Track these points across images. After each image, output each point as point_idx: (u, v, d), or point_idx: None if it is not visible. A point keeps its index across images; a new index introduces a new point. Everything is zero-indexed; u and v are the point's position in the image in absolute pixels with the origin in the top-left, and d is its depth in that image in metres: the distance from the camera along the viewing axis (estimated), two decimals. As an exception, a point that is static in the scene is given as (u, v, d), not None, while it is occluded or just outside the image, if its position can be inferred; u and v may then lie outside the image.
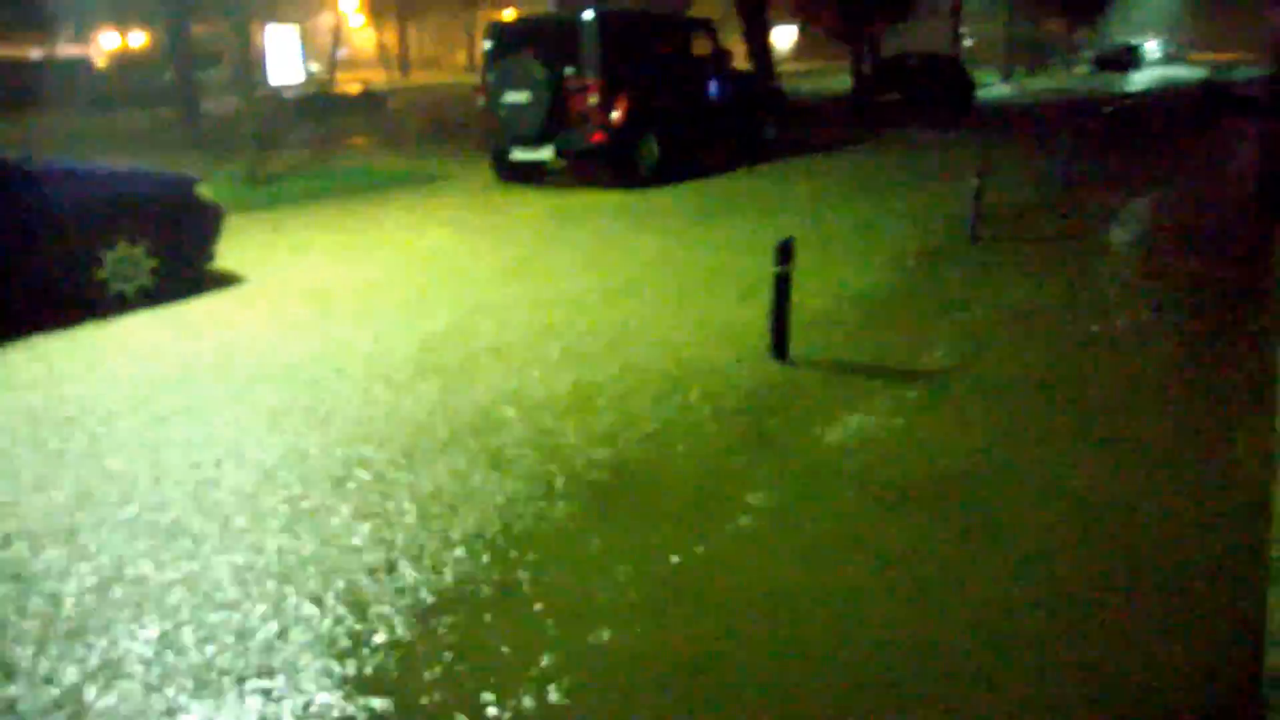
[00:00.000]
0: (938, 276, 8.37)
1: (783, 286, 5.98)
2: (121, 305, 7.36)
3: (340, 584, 3.56)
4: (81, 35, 50.44)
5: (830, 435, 4.91)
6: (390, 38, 62.25)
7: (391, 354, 6.29)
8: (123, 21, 49.37)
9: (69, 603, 3.45)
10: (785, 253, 5.97)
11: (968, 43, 45.92)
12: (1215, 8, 79.09)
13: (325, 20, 59.51)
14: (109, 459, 4.67)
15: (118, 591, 3.52)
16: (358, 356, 6.24)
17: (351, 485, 4.38)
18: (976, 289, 7.85)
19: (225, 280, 8.30)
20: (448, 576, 3.61)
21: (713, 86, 15.44)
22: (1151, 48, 65.85)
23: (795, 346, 6.09)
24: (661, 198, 12.67)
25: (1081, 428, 4.99)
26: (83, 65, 38.53)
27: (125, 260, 7.41)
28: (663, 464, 4.61)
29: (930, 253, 9.17)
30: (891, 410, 5.22)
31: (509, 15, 23.50)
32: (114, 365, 6.13)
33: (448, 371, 5.93)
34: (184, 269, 7.91)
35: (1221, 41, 78.14)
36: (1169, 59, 68.04)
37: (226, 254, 8.55)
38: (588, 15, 13.37)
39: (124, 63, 39.15)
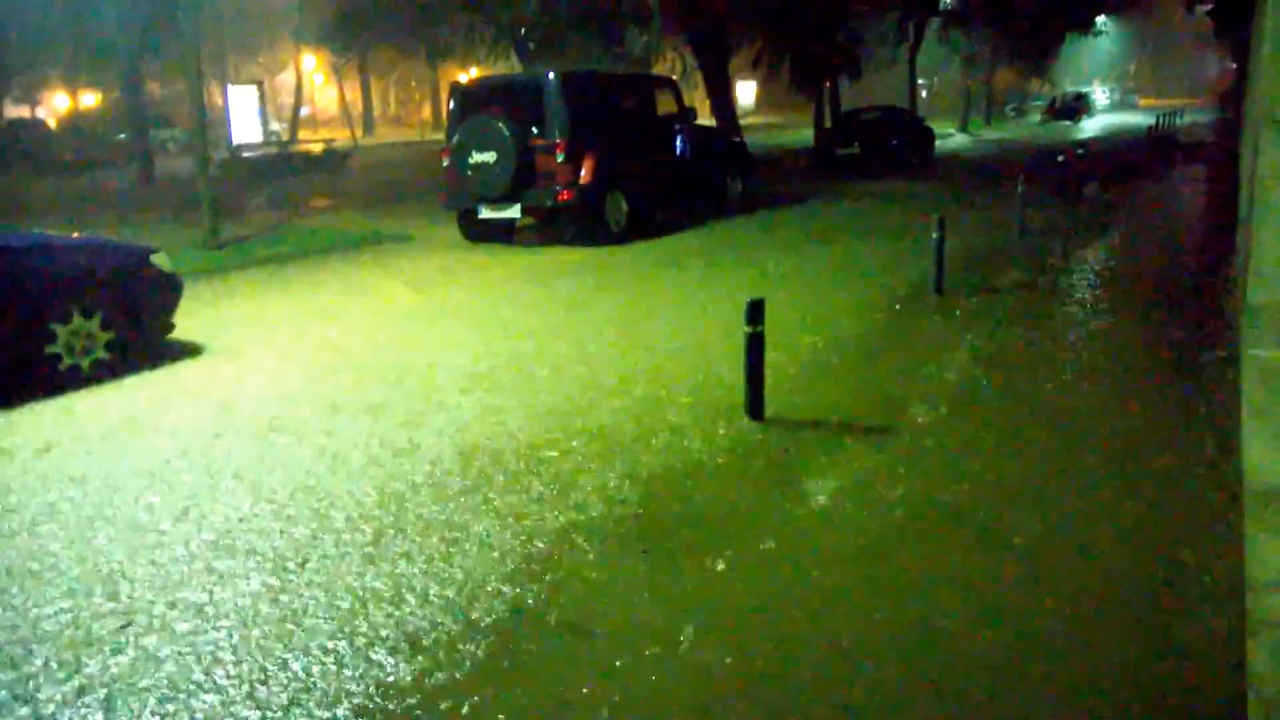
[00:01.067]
0: (907, 327, 8.41)
1: (755, 346, 5.92)
2: (77, 379, 7.15)
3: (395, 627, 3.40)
4: (28, 96, 50.16)
5: (814, 492, 4.84)
6: (353, 95, 62.42)
7: (365, 419, 6.16)
8: (73, 82, 49.12)
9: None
10: (756, 312, 5.92)
11: (923, 93, 46.73)
12: (1160, 54, 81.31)
13: (287, 79, 59.75)
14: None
15: None
16: (330, 425, 6.08)
17: (372, 549, 4.27)
18: (945, 339, 7.87)
19: (185, 351, 8.12)
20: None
21: (679, 143, 15.50)
22: (1100, 95, 67.43)
23: (770, 404, 6.02)
24: (631, 254, 12.64)
25: (1056, 471, 4.95)
26: (36, 126, 38.29)
27: (79, 333, 7.20)
28: (657, 517, 4.58)
29: (899, 303, 9.23)
30: (871, 468, 5.14)
31: (473, 76, 23.62)
32: (63, 441, 5.93)
33: (422, 436, 5.79)
34: (142, 341, 7.72)
35: (1168, 86, 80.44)
36: (1118, 105, 69.73)
37: (186, 323, 8.37)
38: (551, 75, 13.41)
39: (77, 124, 38.84)
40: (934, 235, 9.41)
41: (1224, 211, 13.00)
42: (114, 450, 5.78)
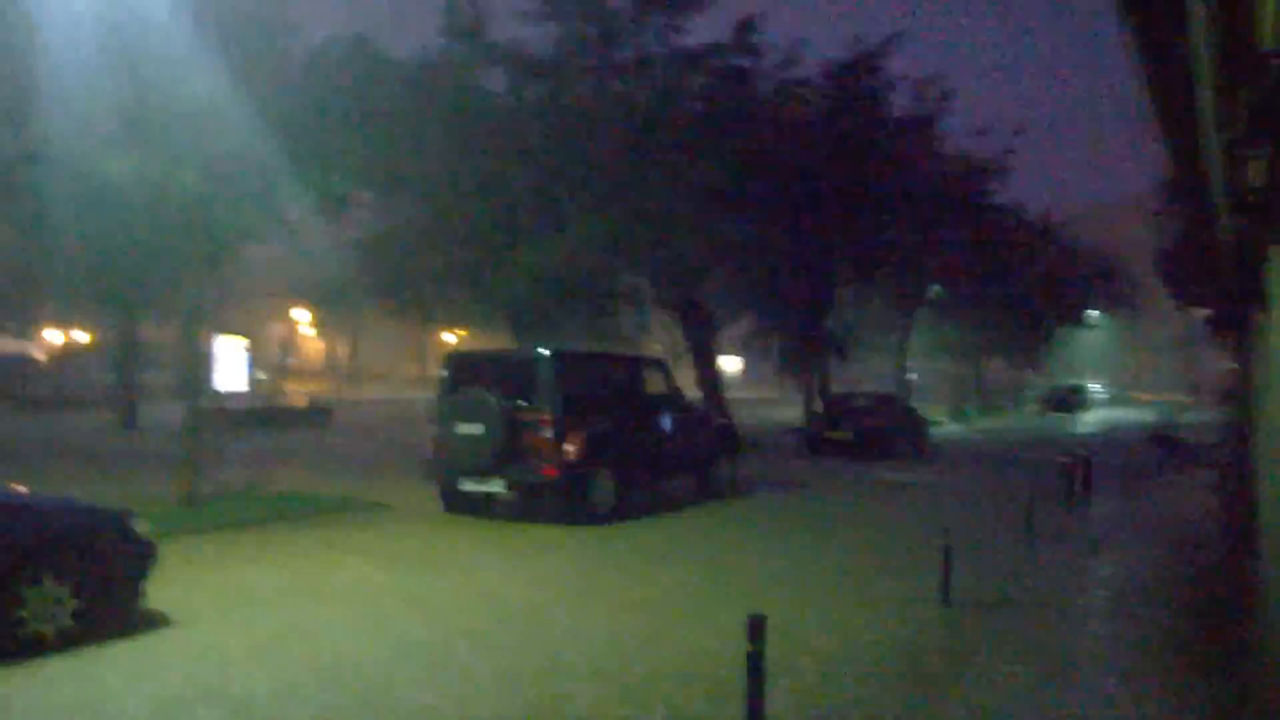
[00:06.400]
0: (914, 645, 7.81)
1: (755, 666, 5.47)
2: (38, 647, 6.73)
3: None
4: (24, 332, 50.66)
5: None
6: (341, 349, 63.44)
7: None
8: (66, 319, 49.74)
9: None
10: (757, 629, 5.51)
11: (913, 376, 47.30)
12: (1154, 350, 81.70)
13: (276, 329, 60.83)
14: None
15: None
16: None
17: None
18: (960, 662, 7.38)
19: (150, 621, 7.67)
20: None
21: (666, 423, 15.48)
22: (1096, 389, 68.08)
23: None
24: (614, 537, 12.31)
25: None
26: (25, 364, 38.55)
27: (48, 598, 6.84)
28: None
29: (901, 616, 8.64)
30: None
31: (465, 346, 24.04)
32: None
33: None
34: (111, 609, 7.31)
35: (1161, 381, 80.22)
36: (1114, 400, 70.29)
37: (156, 590, 7.89)
38: (544, 352, 13.56)
39: (65, 362, 39.24)
40: (938, 544, 9.03)
41: (1237, 525, 12.28)
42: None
